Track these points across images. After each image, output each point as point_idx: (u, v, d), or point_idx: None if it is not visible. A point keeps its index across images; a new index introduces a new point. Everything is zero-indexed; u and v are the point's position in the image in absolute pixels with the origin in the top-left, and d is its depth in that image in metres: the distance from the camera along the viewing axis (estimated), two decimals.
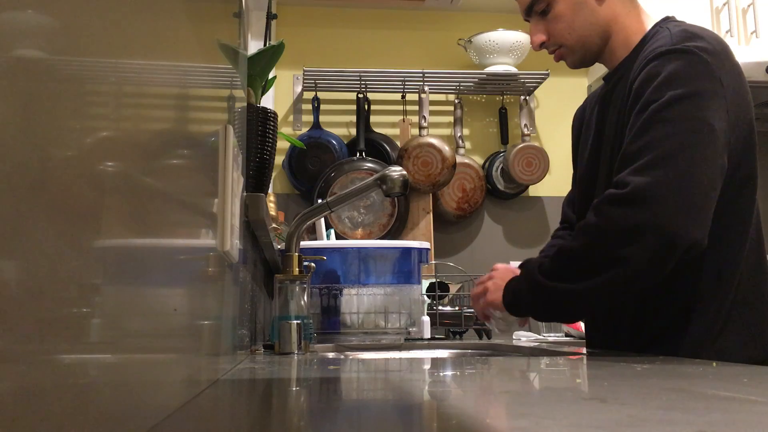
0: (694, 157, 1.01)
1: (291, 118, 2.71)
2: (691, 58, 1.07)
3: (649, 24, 1.24)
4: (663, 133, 1.02)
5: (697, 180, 1.00)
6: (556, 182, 2.71)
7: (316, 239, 2.06)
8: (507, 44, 2.64)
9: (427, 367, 1.04)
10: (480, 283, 1.25)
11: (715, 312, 1.11)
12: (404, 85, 2.66)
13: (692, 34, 1.12)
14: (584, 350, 1.32)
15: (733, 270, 1.13)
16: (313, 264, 1.39)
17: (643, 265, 1.01)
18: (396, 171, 1.34)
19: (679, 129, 1.02)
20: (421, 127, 2.59)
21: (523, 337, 2.00)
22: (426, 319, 1.90)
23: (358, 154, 2.58)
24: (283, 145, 2.49)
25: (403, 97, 2.71)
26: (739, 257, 1.13)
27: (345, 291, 1.78)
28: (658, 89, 1.06)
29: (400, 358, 1.40)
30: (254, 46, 1.93)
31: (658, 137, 1.02)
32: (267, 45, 1.74)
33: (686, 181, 1.00)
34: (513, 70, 2.67)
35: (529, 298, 1.11)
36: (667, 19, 1.23)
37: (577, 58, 1.26)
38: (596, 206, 1.06)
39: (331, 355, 1.51)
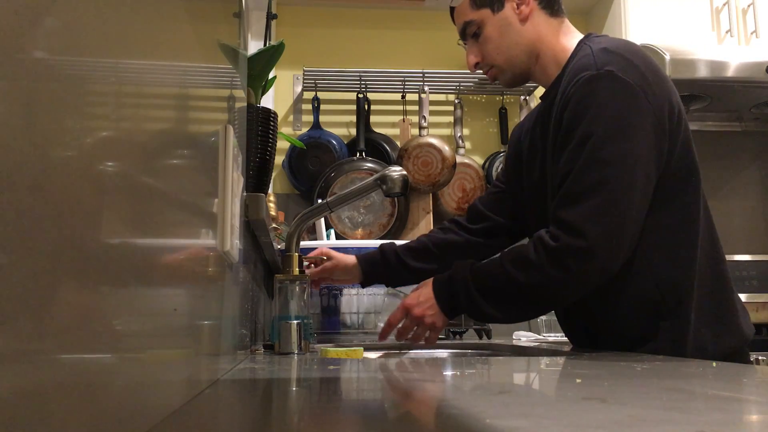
0: (633, 198, 1.10)
1: (291, 118, 2.71)
2: (615, 82, 1.12)
3: (574, 41, 1.28)
4: (603, 175, 1.09)
5: (635, 218, 1.11)
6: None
7: (316, 239, 2.06)
8: None
9: (427, 367, 1.04)
10: (403, 317, 1.28)
11: (686, 306, 1.14)
12: (404, 85, 2.66)
13: (612, 53, 1.16)
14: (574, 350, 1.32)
15: (691, 263, 1.16)
16: (313, 265, 1.39)
17: (578, 298, 1.16)
18: (396, 171, 1.34)
19: (617, 171, 1.09)
20: (421, 127, 2.59)
21: (523, 337, 2.00)
22: None
23: (358, 154, 2.58)
24: (283, 145, 2.49)
25: (403, 97, 2.71)
26: (695, 251, 1.17)
27: (345, 291, 1.78)
28: (590, 123, 1.12)
29: (400, 358, 1.40)
30: (254, 46, 1.93)
31: (599, 180, 1.10)
32: (267, 45, 1.74)
33: (628, 225, 1.10)
34: None
35: (466, 311, 1.21)
36: (590, 36, 1.28)
37: (508, 77, 1.33)
38: (555, 254, 1.10)
39: None
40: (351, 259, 1.46)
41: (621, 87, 1.12)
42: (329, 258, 1.46)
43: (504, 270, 1.14)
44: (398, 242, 1.51)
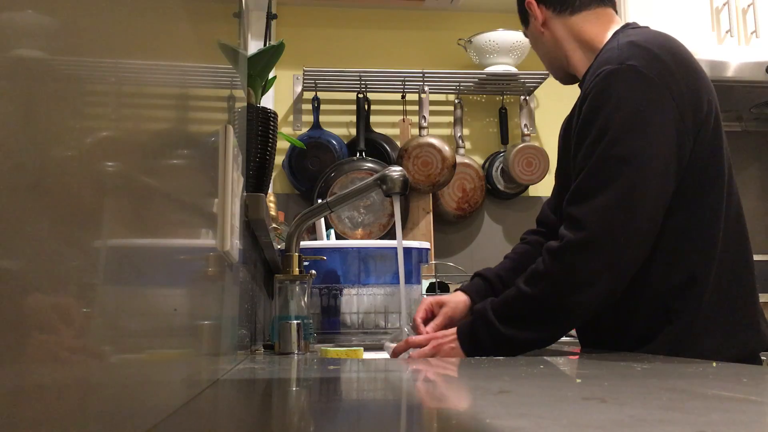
0: (646, 195, 1.07)
1: (291, 118, 2.71)
2: (635, 77, 1.10)
3: (607, 32, 1.27)
4: (616, 172, 1.07)
5: (649, 215, 1.08)
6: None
7: (316, 239, 2.06)
8: (507, 44, 2.64)
9: (426, 367, 1.04)
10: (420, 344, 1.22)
11: (694, 311, 1.12)
12: (404, 85, 2.67)
13: (638, 46, 1.14)
14: (583, 350, 1.32)
15: (707, 267, 1.13)
16: (313, 271, 1.38)
17: (598, 300, 1.09)
18: (396, 171, 1.34)
19: (631, 167, 1.07)
20: (421, 127, 2.59)
21: None
22: None
23: (358, 154, 2.58)
24: (283, 145, 2.49)
25: (403, 97, 2.71)
26: (712, 254, 1.14)
27: (345, 291, 1.78)
28: (607, 118, 1.10)
29: (400, 358, 1.40)
30: (254, 46, 1.93)
31: (611, 177, 1.07)
32: (267, 45, 1.74)
33: (639, 222, 1.07)
34: (513, 70, 2.67)
35: (490, 345, 1.13)
36: (626, 27, 1.27)
37: (558, 77, 1.39)
38: (559, 253, 1.08)
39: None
40: (461, 296, 1.37)
41: (641, 81, 1.10)
42: (442, 305, 1.36)
43: (519, 292, 1.11)
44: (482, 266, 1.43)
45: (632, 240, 1.07)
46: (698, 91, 1.14)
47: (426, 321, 1.35)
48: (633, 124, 1.09)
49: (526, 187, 2.74)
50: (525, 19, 1.38)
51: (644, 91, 1.10)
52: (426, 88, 2.63)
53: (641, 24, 1.32)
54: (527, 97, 2.73)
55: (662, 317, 1.13)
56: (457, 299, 1.36)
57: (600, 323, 1.23)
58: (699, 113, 1.13)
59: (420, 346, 1.22)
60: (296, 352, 1.22)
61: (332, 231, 2.23)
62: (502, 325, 1.11)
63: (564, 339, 1.96)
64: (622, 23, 1.29)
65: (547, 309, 1.10)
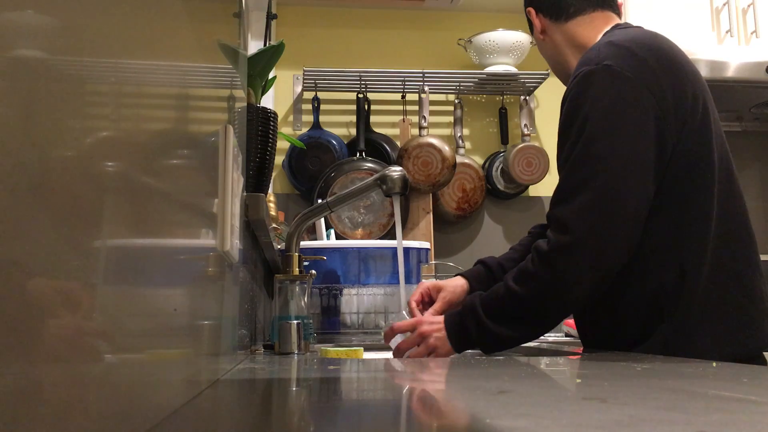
0: (626, 193, 1.09)
1: (291, 118, 2.71)
2: (610, 77, 1.11)
3: (599, 35, 1.28)
4: (594, 170, 1.09)
5: (630, 213, 1.09)
6: (556, 182, 2.70)
7: (316, 239, 2.06)
8: (507, 44, 2.63)
9: (427, 367, 1.04)
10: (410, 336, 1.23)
11: (686, 310, 1.11)
12: (404, 85, 2.66)
13: (616, 46, 1.15)
14: (585, 350, 1.32)
15: (697, 264, 1.12)
16: (313, 271, 1.38)
17: (584, 299, 1.13)
18: (396, 171, 1.34)
19: (608, 166, 1.09)
20: (421, 127, 2.59)
21: None
22: None
23: (358, 154, 2.58)
24: (283, 145, 2.48)
25: (403, 97, 2.71)
26: (703, 251, 1.13)
27: (345, 291, 1.78)
28: (584, 119, 1.12)
29: (401, 359, 1.40)
30: (254, 46, 1.93)
31: (590, 175, 1.09)
32: (267, 45, 1.74)
33: (620, 220, 1.08)
34: (513, 70, 2.67)
35: (476, 339, 1.16)
36: (615, 28, 1.28)
37: (564, 81, 1.41)
38: (545, 256, 1.09)
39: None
40: (460, 281, 1.39)
41: (616, 81, 1.10)
42: (439, 290, 1.37)
43: (508, 289, 1.13)
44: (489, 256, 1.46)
45: (615, 239, 1.07)
46: (682, 86, 1.14)
47: (423, 305, 1.36)
48: (609, 123, 1.10)
49: (526, 187, 2.74)
50: (530, 27, 1.41)
51: (620, 89, 1.11)
52: (426, 88, 2.63)
53: (641, 24, 1.32)
54: (527, 97, 2.73)
55: (656, 316, 1.13)
56: (455, 284, 1.38)
57: (599, 323, 1.23)
58: (683, 107, 1.13)
59: (406, 330, 1.23)
60: (296, 352, 1.22)
61: (332, 231, 2.23)
62: (490, 321, 1.13)
63: (564, 339, 1.96)
64: (608, 27, 1.30)
65: (534, 309, 1.12)
